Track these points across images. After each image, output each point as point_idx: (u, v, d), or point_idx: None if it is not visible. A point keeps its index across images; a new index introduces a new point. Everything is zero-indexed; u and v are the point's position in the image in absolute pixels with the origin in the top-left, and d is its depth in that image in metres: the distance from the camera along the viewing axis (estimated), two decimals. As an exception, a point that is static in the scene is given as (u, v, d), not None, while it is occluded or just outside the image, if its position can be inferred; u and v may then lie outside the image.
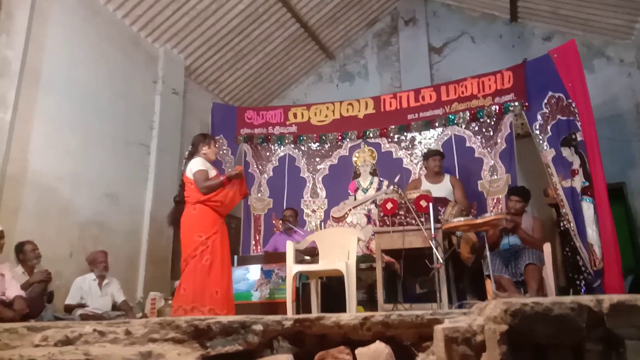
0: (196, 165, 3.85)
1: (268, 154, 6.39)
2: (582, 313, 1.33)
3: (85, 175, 5.11)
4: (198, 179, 3.78)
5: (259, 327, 1.83)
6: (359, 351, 1.72)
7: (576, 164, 4.72)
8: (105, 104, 5.42)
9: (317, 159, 6.26)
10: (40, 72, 4.71)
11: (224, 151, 6.32)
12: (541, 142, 4.99)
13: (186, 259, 3.71)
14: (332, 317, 1.86)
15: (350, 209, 5.86)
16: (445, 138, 5.74)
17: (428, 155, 5.23)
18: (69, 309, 4.39)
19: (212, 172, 3.92)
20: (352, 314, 1.88)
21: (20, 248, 4.16)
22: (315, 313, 4.02)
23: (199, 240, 3.69)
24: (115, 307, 4.68)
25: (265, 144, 6.40)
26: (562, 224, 5.06)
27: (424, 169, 5.44)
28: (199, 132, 6.76)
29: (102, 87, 5.41)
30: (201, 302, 3.58)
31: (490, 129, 5.48)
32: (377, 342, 1.74)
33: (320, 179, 6.20)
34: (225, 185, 3.83)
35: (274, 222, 5.99)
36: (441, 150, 5.56)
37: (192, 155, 4.01)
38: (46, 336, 1.77)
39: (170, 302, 4.87)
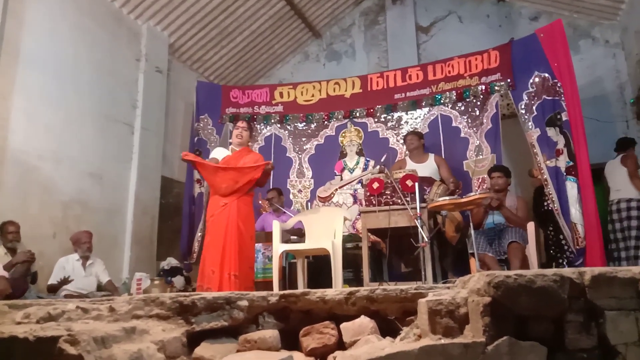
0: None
1: (254, 133, 6.33)
2: (564, 285, 1.35)
3: (68, 153, 5.02)
4: None
5: (244, 303, 1.83)
6: (343, 326, 1.73)
7: (561, 143, 4.76)
8: (87, 81, 5.30)
9: (304, 139, 6.23)
10: (20, 47, 4.57)
11: (209, 130, 6.25)
12: (526, 121, 5.00)
13: None
14: (317, 293, 1.86)
15: (336, 189, 5.85)
16: (432, 118, 5.74)
17: (405, 136, 5.37)
18: (53, 289, 4.35)
19: (221, 158, 4.13)
20: (337, 289, 1.89)
21: (1, 228, 4.10)
22: (301, 291, 4.07)
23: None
24: (100, 287, 4.65)
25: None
26: (545, 204, 5.11)
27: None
28: (183, 111, 6.79)
29: (84, 64, 5.28)
30: (201, 279, 3.82)
31: (476, 108, 5.49)
32: (362, 316, 1.75)
33: (306, 158, 6.18)
34: (199, 170, 4.22)
35: (260, 202, 5.96)
36: (427, 129, 5.57)
37: None
38: (28, 313, 1.76)
39: (156, 282, 4.90)
